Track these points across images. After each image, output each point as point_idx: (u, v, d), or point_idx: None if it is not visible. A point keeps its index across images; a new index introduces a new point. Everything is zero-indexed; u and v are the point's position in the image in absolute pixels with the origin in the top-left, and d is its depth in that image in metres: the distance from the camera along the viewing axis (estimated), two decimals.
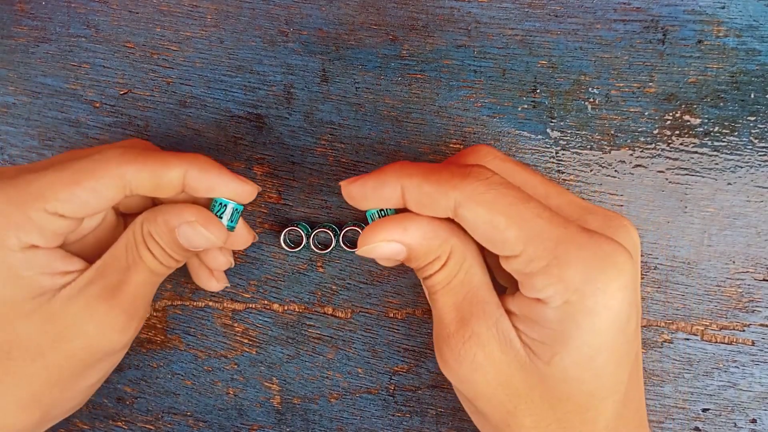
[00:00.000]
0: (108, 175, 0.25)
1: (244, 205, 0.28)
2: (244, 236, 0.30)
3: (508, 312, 0.25)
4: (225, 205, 0.27)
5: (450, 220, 0.25)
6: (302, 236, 0.32)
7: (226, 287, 0.33)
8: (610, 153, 0.31)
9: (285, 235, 0.32)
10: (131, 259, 0.27)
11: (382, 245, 0.25)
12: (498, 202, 0.23)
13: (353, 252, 0.32)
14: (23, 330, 0.26)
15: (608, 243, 0.23)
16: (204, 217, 0.27)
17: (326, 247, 0.32)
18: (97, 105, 0.33)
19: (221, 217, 0.27)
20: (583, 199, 0.27)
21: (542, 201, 0.25)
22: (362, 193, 0.25)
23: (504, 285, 0.29)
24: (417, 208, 0.25)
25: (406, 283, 0.33)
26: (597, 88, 0.31)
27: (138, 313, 0.28)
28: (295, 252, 0.33)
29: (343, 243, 0.32)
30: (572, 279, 0.23)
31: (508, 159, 0.27)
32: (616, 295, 0.23)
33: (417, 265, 0.26)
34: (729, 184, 0.31)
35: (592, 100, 0.31)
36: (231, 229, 0.28)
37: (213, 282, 0.31)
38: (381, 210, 0.26)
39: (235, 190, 0.27)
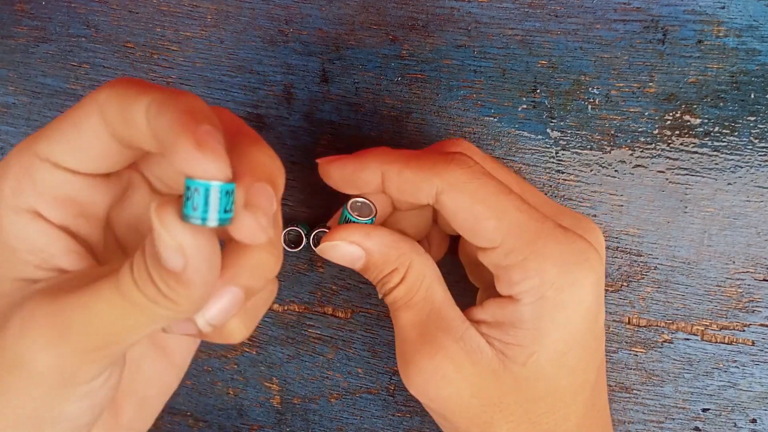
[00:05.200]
0: (87, 104, 0.20)
1: (233, 183, 0.18)
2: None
3: (478, 322, 0.25)
4: (200, 188, 0.17)
5: (411, 239, 0.26)
6: (302, 236, 0.32)
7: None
8: (610, 153, 0.31)
9: (285, 235, 0.32)
10: (107, 270, 0.19)
11: (343, 245, 0.25)
12: (480, 192, 0.23)
13: None
14: None
15: (582, 241, 0.24)
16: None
17: None
18: None
19: (196, 209, 0.17)
20: (561, 204, 0.27)
21: None
22: (341, 174, 0.25)
23: (477, 285, 0.30)
24: (397, 194, 0.25)
25: None
26: (597, 88, 0.31)
27: (75, 342, 0.19)
28: (295, 252, 0.33)
29: None
30: (549, 272, 0.23)
31: (486, 156, 0.27)
32: (590, 291, 0.24)
33: (376, 276, 0.26)
34: (729, 184, 0.31)
35: (592, 100, 0.31)
36: (224, 222, 0.18)
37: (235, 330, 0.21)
38: (359, 216, 0.26)
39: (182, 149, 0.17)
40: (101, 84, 0.32)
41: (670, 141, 0.31)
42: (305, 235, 0.32)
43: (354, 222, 0.26)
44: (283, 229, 0.32)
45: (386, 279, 0.26)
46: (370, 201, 0.26)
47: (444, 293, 0.26)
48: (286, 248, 0.32)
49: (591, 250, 0.24)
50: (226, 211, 0.18)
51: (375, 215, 0.26)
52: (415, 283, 0.25)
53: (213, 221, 0.17)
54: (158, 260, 0.17)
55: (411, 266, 0.25)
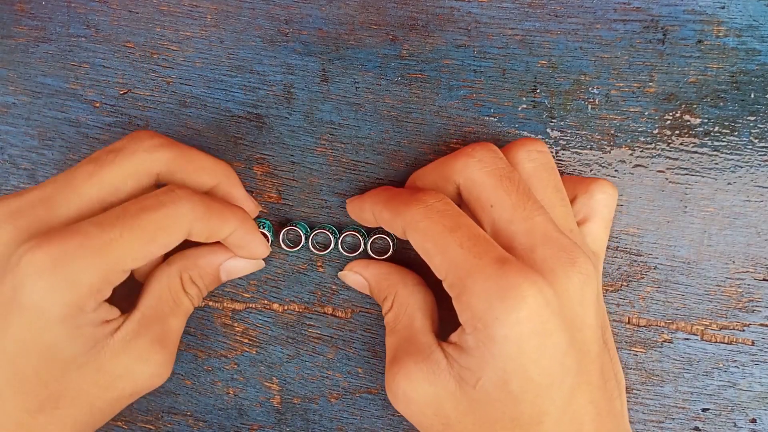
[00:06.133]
0: (180, 231, 0.27)
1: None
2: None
3: (451, 344, 0.26)
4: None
5: (408, 272, 0.30)
6: (301, 236, 0.32)
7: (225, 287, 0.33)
8: (610, 153, 0.31)
9: (284, 234, 0.32)
10: (169, 307, 0.29)
11: (350, 274, 0.31)
12: (429, 231, 0.25)
13: (351, 256, 0.32)
14: (75, 381, 0.26)
15: (518, 275, 0.24)
16: (249, 237, 0.30)
17: (325, 247, 0.32)
18: (97, 105, 0.33)
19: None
20: (556, 226, 0.26)
21: (503, 224, 0.26)
22: (352, 212, 0.30)
23: None
24: (386, 228, 0.28)
25: None
26: (597, 88, 0.31)
27: (176, 350, 0.30)
28: (294, 252, 0.33)
29: (342, 247, 0.32)
30: (476, 308, 0.24)
31: (493, 171, 0.27)
32: (514, 327, 0.23)
33: (377, 301, 0.31)
34: (729, 184, 0.31)
35: (592, 100, 0.31)
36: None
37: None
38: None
39: (260, 253, 0.31)
40: (101, 84, 0.32)
41: (670, 141, 0.31)
42: (304, 234, 0.32)
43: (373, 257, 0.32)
44: (283, 228, 0.32)
45: (382, 304, 0.30)
46: (387, 237, 0.31)
47: (422, 321, 0.28)
48: (286, 248, 0.32)
49: (526, 285, 0.23)
50: None
51: (390, 249, 0.31)
52: (399, 311, 0.29)
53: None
54: (218, 280, 0.31)
55: (396, 296, 0.29)
